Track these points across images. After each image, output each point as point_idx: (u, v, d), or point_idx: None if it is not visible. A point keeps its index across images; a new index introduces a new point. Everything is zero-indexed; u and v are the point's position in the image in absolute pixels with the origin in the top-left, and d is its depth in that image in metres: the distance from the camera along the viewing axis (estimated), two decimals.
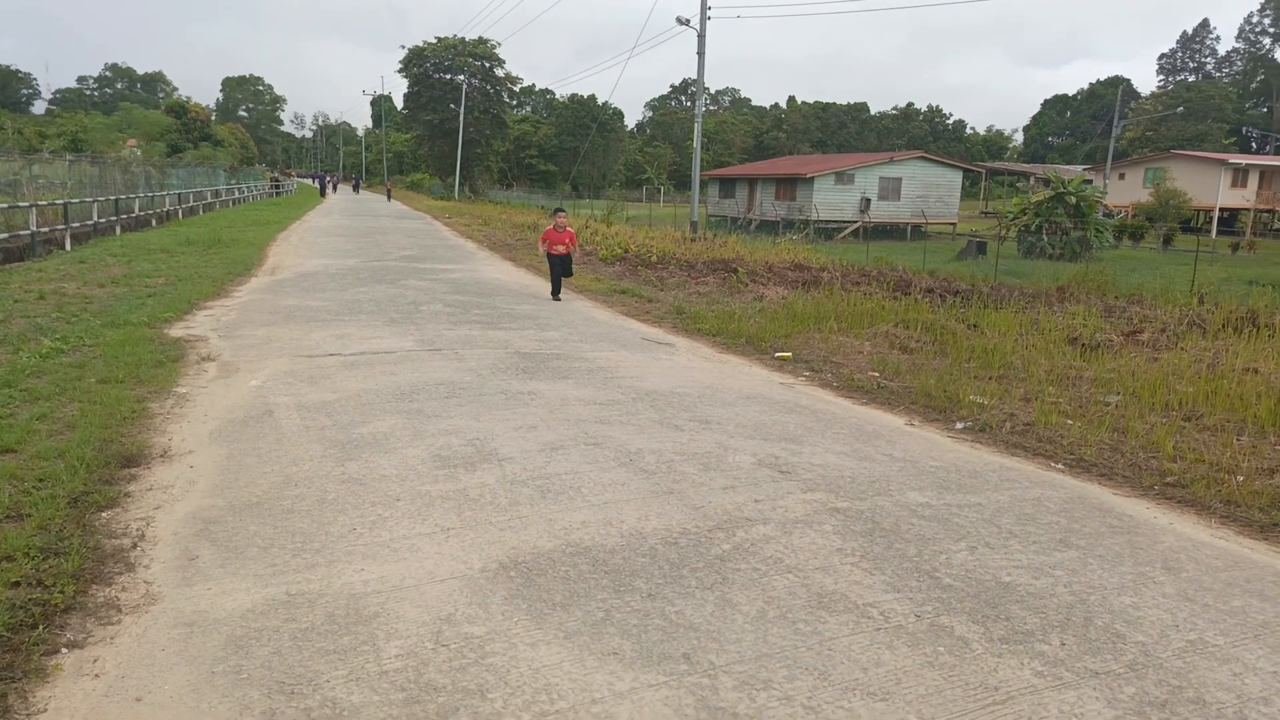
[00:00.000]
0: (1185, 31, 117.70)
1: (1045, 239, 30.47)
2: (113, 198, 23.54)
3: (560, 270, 13.72)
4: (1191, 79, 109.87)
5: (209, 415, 6.26)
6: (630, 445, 5.79)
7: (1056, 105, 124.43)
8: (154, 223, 26.45)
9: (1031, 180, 56.11)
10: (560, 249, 13.62)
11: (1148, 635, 3.49)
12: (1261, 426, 6.77)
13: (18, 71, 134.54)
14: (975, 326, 11.17)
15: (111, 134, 70.81)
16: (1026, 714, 2.91)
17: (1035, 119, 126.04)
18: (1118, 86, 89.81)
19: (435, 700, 2.88)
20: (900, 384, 8.21)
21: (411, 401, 6.74)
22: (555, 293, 13.77)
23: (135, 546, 4.03)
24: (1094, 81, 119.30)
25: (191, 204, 33.39)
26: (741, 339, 10.46)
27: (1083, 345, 10.06)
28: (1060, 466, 5.93)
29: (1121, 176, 56.02)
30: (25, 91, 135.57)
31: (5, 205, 16.90)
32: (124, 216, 23.63)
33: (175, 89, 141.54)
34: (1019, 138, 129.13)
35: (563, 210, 14.57)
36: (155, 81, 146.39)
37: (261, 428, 5.95)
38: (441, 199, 64.07)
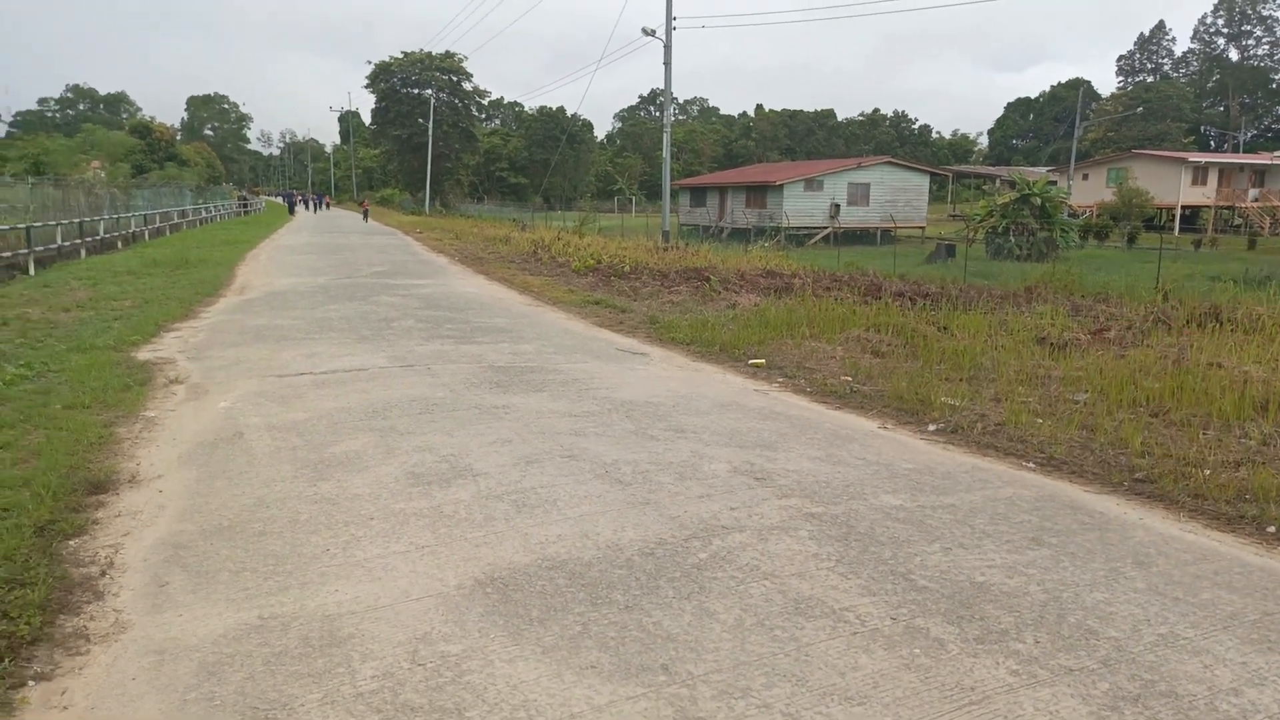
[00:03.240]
0: (1142, 33, 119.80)
1: (1012, 240, 30.85)
2: (76, 220, 23.21)
3: None
4: (1150, 80, 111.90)
5: (178, 439, 6.17)
6: (606, 456, 5.79)
7: (1020, 108, 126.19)
8: (120, 245, 26.08)
9: (997, 183, 56.86)
10: None
11: (1120, 631, 3.53)
12: (1226, 420, 6.89)
13: None
14: (945, 329, 11.28)
15: (74, 156, 69.75)
16: (1003, 713, 2.94)
17: (999, 122, 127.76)
18: (1079, 89, 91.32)
19: None
20: (873, 388, 8.27)
21: (384, 419, 6.69)
22: None
23: (104, 574, 3.97)
24: (1055, 84, 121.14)
25: (158, 225, 32.98)
26: (715, 347, 10.49)
27: (1051, 344, 10.19)
28: (1031, 465, 5.99)
29: (1085, 177, 56.90)
30: None
31: None
32: (89, 239, 23.29)
33: (139, 109, 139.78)
34: (984, 141, 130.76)
35: None
36: (118, 102, 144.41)
37: (232, 450, 5.88)
38: (412, 214, 63.80)
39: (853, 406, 7.67)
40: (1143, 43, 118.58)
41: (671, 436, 6.34)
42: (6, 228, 18.23)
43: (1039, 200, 31.47)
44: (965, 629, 3.51)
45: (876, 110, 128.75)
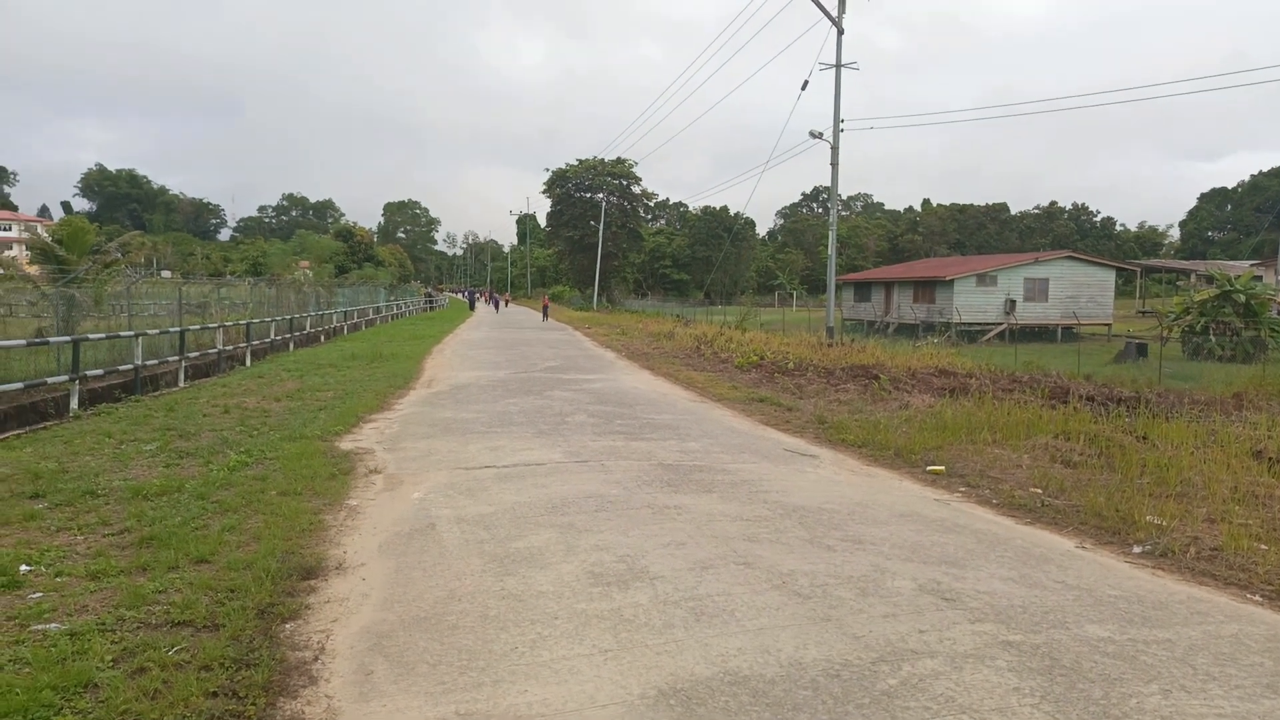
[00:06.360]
0: None
1: (1213, 340, 28.49)
2: (287, 317, 25.68)
3: None
4: None
5: (377, 528, 6.60)
6: (781, 566, 5.70)
7: (1215, 199, 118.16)
8: (322, 339, 28.56)
9: (1193, 278, 52.99)
10: None
11: None
12: None
13: (208, 204, 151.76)
14: (1145, 438, 10.47)
15: (287, 258, 77.78)
16: None
17: (1192, 214, 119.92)
18: None
19: None
20: (1066, 501, 7.76)
21: (563, 515, 6.89)
22: None
23: (316, 660, 4.25)
24: (1256, 173, 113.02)
25: (355, 320, 35.95)
26: (889, 450, 10.19)
27: (1270, 460, 9.25)
28: (1257, 598, 5.41)
29: None
30: (214, 221, 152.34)
31: (197, 326, 18.71)
32: (296, 333, 25.68)
33: (342, 214, 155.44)
34: (1175, 234, 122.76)
35: None
36: (325, 208, 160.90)
37: (426, 541, 6.22)
38: (581, 309, 66.44)
39: (1045, 522, 7.22)
40: None
41: (849, 547, 6.18)
42: (230, 324, 20.37)
43: (1243, 297, 29.03)
44: None
45: (1054, 203, 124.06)
